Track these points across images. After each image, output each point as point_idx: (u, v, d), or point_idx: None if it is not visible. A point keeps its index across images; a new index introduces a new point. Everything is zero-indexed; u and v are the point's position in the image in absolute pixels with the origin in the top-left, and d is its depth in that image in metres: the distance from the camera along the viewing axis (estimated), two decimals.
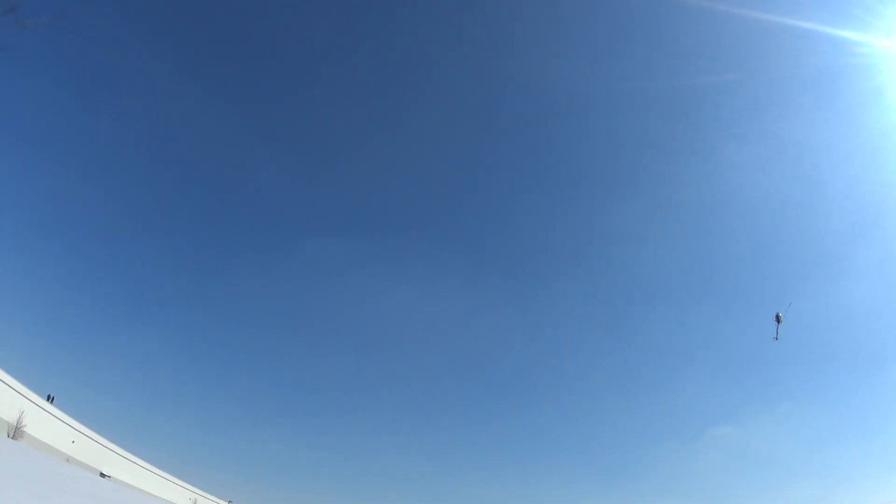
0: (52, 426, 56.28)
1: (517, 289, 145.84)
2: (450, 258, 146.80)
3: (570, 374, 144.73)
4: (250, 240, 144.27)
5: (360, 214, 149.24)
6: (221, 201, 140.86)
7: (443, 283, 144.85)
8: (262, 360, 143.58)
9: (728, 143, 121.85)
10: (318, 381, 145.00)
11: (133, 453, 69.01)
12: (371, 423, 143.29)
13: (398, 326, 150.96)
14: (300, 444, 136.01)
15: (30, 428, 51.59)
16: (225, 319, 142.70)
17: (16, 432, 49.02)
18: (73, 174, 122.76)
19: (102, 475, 59.11)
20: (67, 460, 55.18)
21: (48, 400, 58.32)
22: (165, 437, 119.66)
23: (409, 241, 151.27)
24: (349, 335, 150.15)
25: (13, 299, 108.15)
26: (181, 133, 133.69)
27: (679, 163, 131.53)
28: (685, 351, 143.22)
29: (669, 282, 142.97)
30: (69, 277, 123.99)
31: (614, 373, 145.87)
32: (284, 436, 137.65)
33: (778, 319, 43.68)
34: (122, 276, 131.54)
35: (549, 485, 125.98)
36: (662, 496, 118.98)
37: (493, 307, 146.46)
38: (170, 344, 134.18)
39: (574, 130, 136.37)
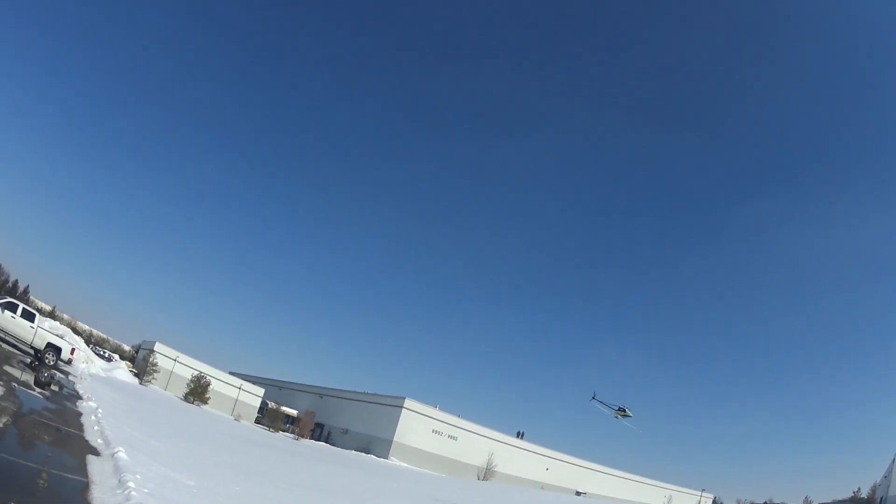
0: (522, 459, 69.45)
1: None
2: None
3: None
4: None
5: None
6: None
7: None
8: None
9: None
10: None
11: (607, 465, 75.40)
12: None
13: None
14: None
15: (501, 466, 65.69)
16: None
17: (486, 473, 63.60)
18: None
19: (577, 493, 67.57)
20: (542, 487, 66.43)
21: (518, 436, 72.50)
22: (638, 444, 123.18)
23: None
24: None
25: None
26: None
27: None
28: None
29: None
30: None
31: None
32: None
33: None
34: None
35: None
36: None
37: None
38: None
39: None
